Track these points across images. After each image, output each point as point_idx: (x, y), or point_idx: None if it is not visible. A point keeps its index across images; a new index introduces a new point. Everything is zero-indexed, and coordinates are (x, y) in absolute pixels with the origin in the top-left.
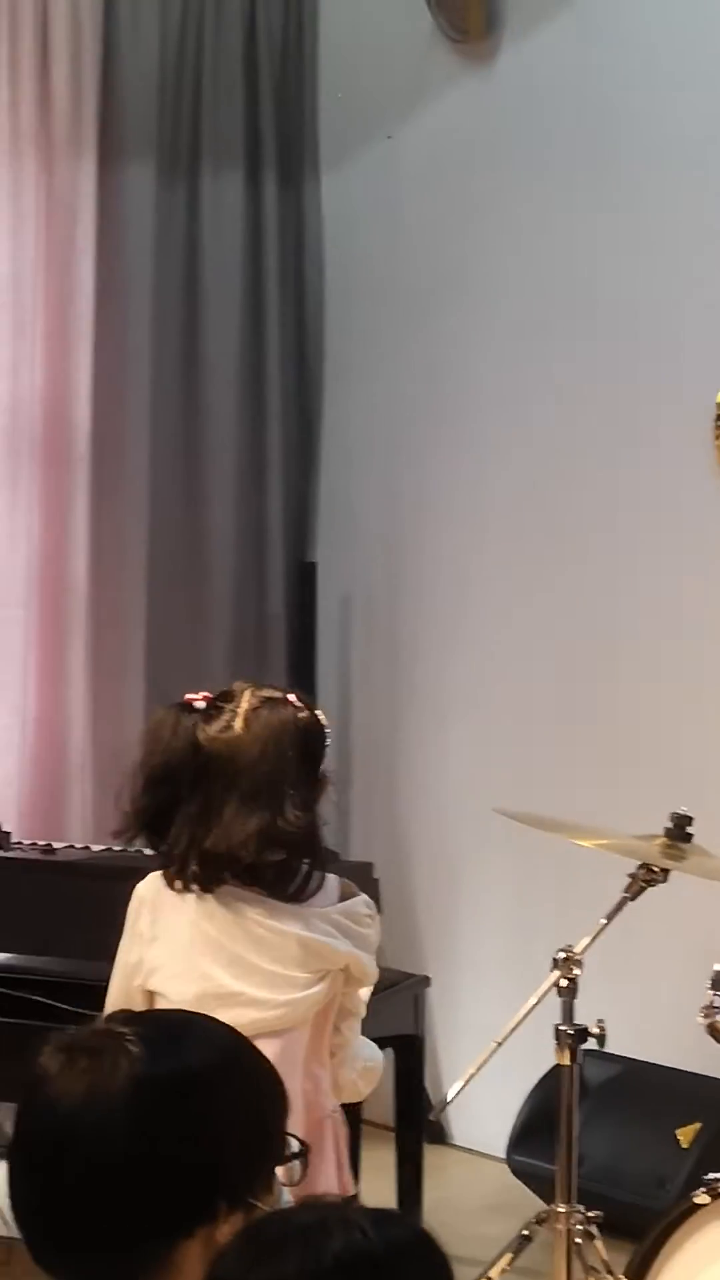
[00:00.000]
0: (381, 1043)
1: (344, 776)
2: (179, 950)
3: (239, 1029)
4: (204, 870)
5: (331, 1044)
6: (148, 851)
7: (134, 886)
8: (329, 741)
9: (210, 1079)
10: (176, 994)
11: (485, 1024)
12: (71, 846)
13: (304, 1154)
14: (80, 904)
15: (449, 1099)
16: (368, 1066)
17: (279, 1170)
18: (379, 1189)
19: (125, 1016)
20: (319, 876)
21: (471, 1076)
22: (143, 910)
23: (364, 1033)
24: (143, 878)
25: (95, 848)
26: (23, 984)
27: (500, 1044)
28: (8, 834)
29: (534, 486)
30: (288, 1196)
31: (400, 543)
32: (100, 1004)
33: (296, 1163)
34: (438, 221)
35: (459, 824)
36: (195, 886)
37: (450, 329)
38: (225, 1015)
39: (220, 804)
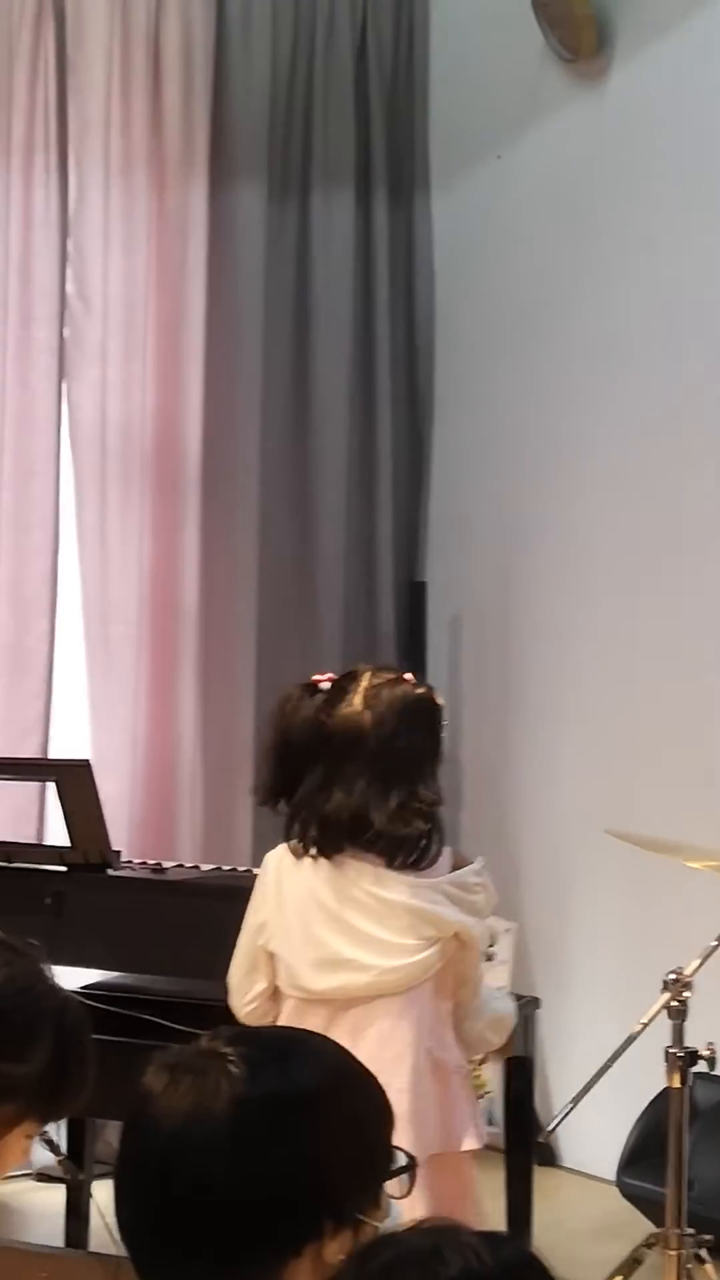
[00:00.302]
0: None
1: (454, 796)
2: (297, 917)
3: (354, 992)
4: (323, 836)
5: (453, 1004)
6: (256, 871)
7: (243, 906)
8: (445, 719)
9: (314, 1098)
10: (294, 958)
11: (595, 1045)
12: (181, 865)
13: (412, 1167)
14: (190, 923)
15: (558, 1120)
16: (496, 1017)
17: (387, 1184)
18: (489, 1211)
19: (230, 1035)
20: (437, 848)
21: (579, 1098)
22: (269, 876)
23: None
24: (247, 898)
25: (205, 867)
26: (133, 1003)
27: (609, 1065)
28: (118, 853)
29: (648, 505)
30: (397, 1210)
31: (510, 561)
32: (211, 1023)
33: (405, 1176)
34: (548, 240)
35: (569, 844)
36: (314, 851)
37: (560, 347)
38: (340, 979)
39: (343, 775)
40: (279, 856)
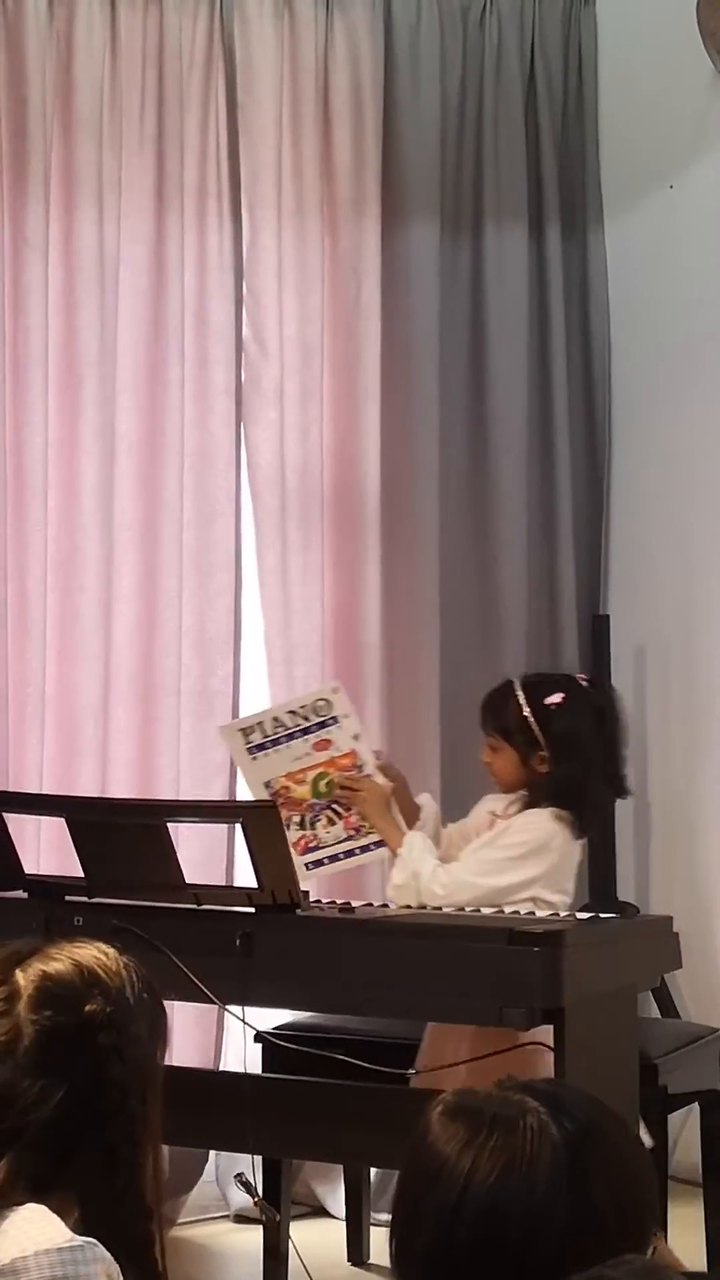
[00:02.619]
0: (685, 1099)
1: (642, 830)
2: None
3: None
4: None
5: None
6: (446, 909)
7: (434, 943)
8: None
9: (606, 1131)
10: None
11: None
12: (369, 904)
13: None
14: (380, 963)
15: None
16: None
17: None
18: (688, 1245)
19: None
20: None
21: None
22: None
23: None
24: (438, 935)
25: (393, 906)
26: (325, 1043)
27: None
28: (306, 893)
29: None
30: None
31: (693, 592)
32: (403, 1062)
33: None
34: None
35: None
36: None
37: None
38: None
39: None
40: None
